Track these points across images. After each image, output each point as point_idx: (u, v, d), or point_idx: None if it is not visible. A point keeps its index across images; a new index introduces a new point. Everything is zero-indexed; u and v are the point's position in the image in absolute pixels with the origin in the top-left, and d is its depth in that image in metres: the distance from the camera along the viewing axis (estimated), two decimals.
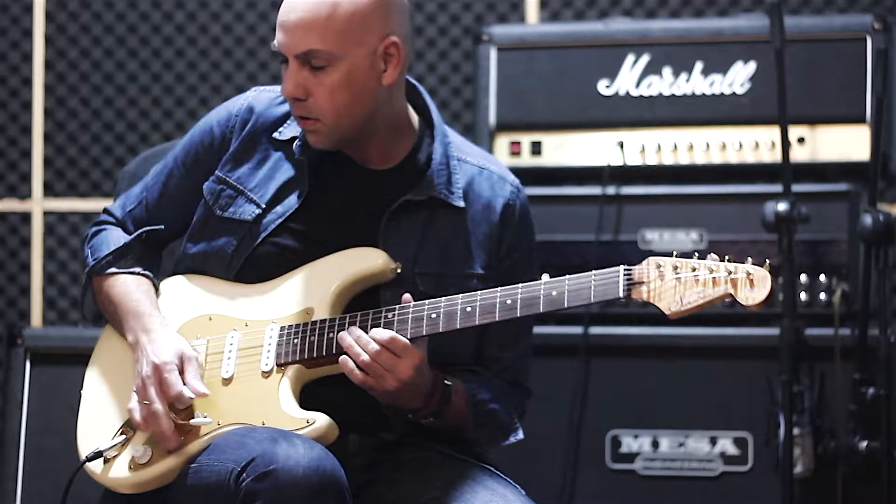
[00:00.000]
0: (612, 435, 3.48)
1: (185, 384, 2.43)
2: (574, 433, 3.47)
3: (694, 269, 2.28)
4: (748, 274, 2.25)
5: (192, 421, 2.43)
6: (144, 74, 4.33)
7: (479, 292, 2.41)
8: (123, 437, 2.48)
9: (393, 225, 2.54)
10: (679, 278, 2.28)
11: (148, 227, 2.66)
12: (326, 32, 2.45)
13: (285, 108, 2.62)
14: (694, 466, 3.44)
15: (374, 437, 2.53)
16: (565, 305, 2.35)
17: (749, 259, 2.27)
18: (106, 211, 2.75)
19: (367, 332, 2.40)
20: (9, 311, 4.33)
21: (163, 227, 2.67)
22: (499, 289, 2.40)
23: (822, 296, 3.45)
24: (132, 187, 2.76)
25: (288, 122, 2.62)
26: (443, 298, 2.42)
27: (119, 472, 2.45)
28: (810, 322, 3.35)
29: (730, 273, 2.26)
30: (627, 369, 3.43)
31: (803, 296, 3.44)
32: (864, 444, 3.23)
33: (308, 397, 2.46)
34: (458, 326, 2.41)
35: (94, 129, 4.33)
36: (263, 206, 2.57)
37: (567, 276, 2.36)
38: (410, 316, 2.42)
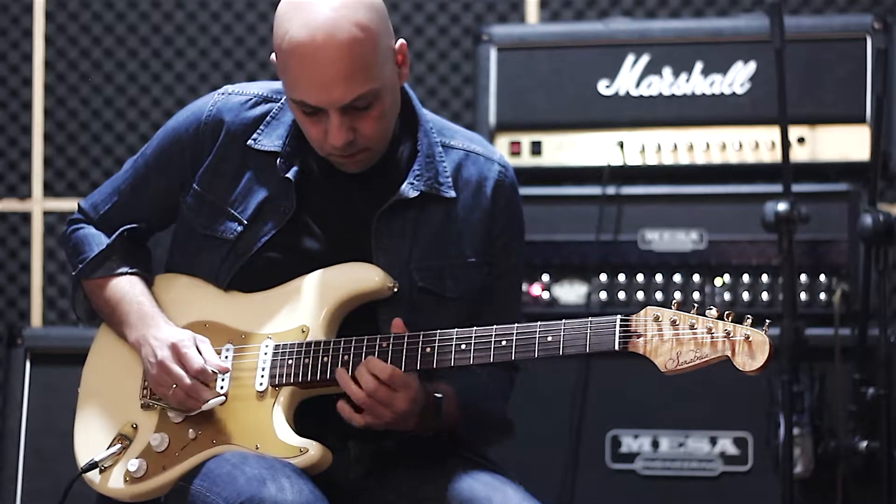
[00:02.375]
0: (612, 435, 3.47)
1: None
2: (574, 433, 3.47)
3: (692, 326, 2.24)
4: (746, 337, 2.21)
5: (204, 406, 2.42)
6: (144, 74, 4.32)
7: (474, 328, 2.37)
8: (119, 446, 2.48)
9: (383, 226, 2.50)
10: (677, 335, 2.24)
11: (128, 226, 2.61)
12: (367, 73, 2.37)
13: (256, 111, 2.56)
14: (694, 466, 3.44)
15: (374, 444, 2.51)
16: (560, 354, 2.31)
17: (748, 319, 2.23)
18: (80, 209, 2.68)
19: (361, 360, 2.38)
20: (9, 311, 4.33)
21: (143, 224, 2.63)
22: (494, 327, 2.36)
23: (822, 296, 3.45)
24: (102, 185, 2.70)
25: (262, 127, 2.55)
26: (437, 332, 2.38)
27: (116, 484, 2.47)
28: (810, 322, 3.34)
29: (728, 334, 2.21)
30: (627, 369, 3.41)
31: (803, 296, 3.44)
32: (864, 444, 3.23)
33: (306, 407, 2.45)
34: (451, 364, 2.38)
35: (94, 129, 4.33)
36: (245, 221, 2.52)
37: (564, 321, 2.32)
38: (405, 348, 2.38)
